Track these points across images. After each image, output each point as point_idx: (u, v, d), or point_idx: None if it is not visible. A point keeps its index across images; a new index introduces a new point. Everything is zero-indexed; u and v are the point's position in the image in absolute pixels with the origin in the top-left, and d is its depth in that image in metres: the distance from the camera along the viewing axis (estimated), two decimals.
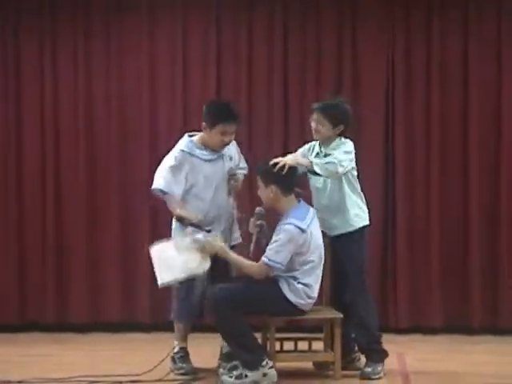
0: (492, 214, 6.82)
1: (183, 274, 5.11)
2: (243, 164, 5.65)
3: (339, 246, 5.34)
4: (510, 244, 6.79)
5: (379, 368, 5.31)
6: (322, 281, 5.24)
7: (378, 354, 5.35)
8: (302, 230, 4.99)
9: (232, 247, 5.38)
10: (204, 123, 5.39)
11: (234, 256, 5.11)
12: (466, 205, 6.85)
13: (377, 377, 5.28)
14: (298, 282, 5.04)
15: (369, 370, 5.29)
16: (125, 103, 7.06)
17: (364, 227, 5.39)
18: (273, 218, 5.29)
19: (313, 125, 5.35)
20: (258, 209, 5.26)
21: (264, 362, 4.97)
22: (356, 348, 5.48)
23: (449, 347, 6.40)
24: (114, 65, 7.06)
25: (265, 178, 5.09)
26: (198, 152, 5.40)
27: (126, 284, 7.01)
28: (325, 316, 5.29)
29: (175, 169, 5.34)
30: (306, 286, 5.05)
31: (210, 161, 5.42)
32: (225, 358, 5.41)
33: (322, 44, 6.95)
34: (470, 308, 6.78)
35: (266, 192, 5.10)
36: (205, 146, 5.43)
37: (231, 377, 5.03)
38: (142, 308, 6.99)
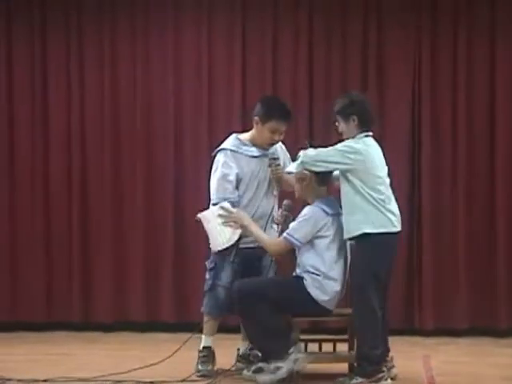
0: None
1: (220, 247, 5.23)
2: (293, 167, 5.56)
3: None
4: None
5: (358, 380, 5.01)
6: (346, 281, 5.20)
7: (362, 370, 5.02)
8: (326, 213, 5.03)
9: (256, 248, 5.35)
10: (256, 117, 5.38)
11: (256, 229, 5.18)
12: (492, 207, 6.82)
13: None
14: (325, 277, 5.03)
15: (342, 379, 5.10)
16: (150, 108, 7.11)
17: (367, 234, 5.03)
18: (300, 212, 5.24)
19: (339, 130, 5.26)
20: (286, 201, 5.31)
21: (291, 350, 4.98)
22: (388, 354, 5.26)
23: (475, 349, 6.36)
24: (140, 69, 7.11)
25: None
26: (243, 148, 5.41)
27: (150, 284, 7.03)
28: (348, 317, 5.25)
29: (226, 175, 5.32)
30: (330, 280, 5.04)
31: (255, 157, 5.41)
32: (242, 359, 5.43)
33: (347, 47, 6.96)
34: (496, 310, 6.74)
35: (300, 176, 5.15)
36: (252, 143, 5.43)
37: (266, 374, 4.99)
38: (165, 308, 7.01)
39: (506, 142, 6.79)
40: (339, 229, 5.09)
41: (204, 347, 5.46)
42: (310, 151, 5.12)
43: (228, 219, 5.20)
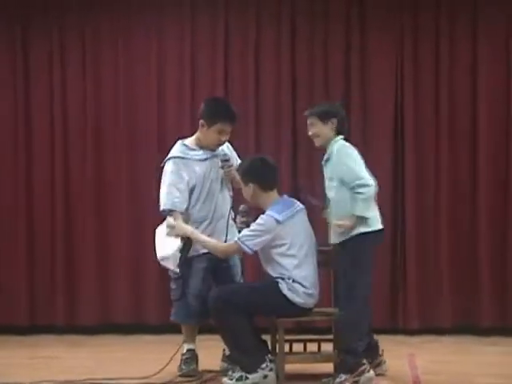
0: (501, 215, 6.82)
1: (161, 256, 5.27)
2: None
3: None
4: None
5: (342, 378, 5.04)
6: (325, 281, 5.21)
7: (345, 365, 5.06)
8: (277, 221, 4.99)
9: None
10: (202, 120, 5.38)
11: (200, 236, 5.19)
12: (475, 208, 6.85)
13: None
14: (293, 281, 5.02)
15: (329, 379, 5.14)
16: (133, 105, 7.09)
17: (362, 234, 5.11)
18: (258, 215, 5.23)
19: (309, 133, 5.30)
20: (242, 206, 5.31)
21: (264, 365, 4.96)
22: (380, 352, 5.39)
23: (459, 348, 6.39)
24: (122, 65, 7.08)
25: (243, 176, 5.14)
26: (191, 153, 5.40)
27: (134, 286, 7.02)
28: (333, 317, 5.26)
29: (175, 182, 5.33)
30: (300, 284, 5.02)
31: (203, 160, 5.40)
32: (227, 359, 5.42)
33: (329, 47, 6.97)
34: (480, 309, 6.77)
35: (246, 190, 5.15)
36: (199, 146, 5.42)
37: (231, 379, 5.00)
38: (150, 310, 7.00)
39: (489, 144, 6.83)
40: (297, 231, 5.06)
41: (187, 350, 5.47)
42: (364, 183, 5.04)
43: (172, 232, 5.19)
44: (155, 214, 6.84)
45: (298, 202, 5.21)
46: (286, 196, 5.23)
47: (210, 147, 5.41)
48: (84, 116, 7.10)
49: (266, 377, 4.94)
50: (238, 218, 5.30)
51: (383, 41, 6.93)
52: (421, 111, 6.90)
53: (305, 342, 5.52)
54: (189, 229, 5.21)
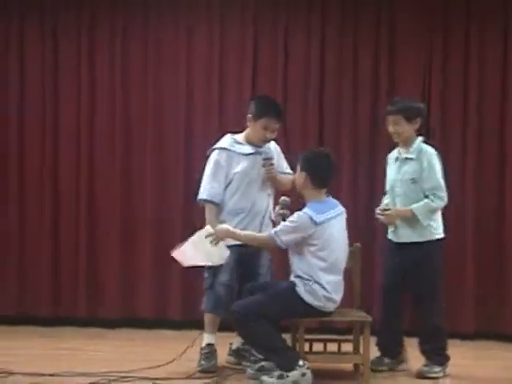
0: None
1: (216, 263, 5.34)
2: (288, 169, 5.68)
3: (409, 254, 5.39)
4: None
5: (436, 369, 5.38)
6: (347, 284, 5.23)
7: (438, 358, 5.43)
8: (313, 222, 4.99)
9: None
10: (249, 115, 5.52)
11: (242, 233, 5.22)
12: (502, 214, 6.80)
13: (433, 375, 5.34)
14: (314, 282, 5.02)
15: (425, 368, 5.37)
16: (161, 108, 7.11)
17: (439, 240, 5.43)
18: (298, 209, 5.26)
19: (390, 129, 5.39)
20: (282, 198, 5.32)
21: (300, 362, 4.98)
22: (404, 350, 5.59)
23: (482, 353, 6.35)
24: (151, 72, 7.10)
25: (301, 162, 5.16)
26: (236, 147, 5.53)
27: (158, 281, 7.04)
28: (353, 319, 5.26)
29: (215, 174, 5.48)
30: (322, 287, 5.02)
31: (247, 155, 5.51)
32: (235, 354, 5.55)
33: (359, 56, 6.95)
34: (504, 314, 6.72)
35: (298, 176, 5.18)
36: (247, 141, 5.55)
37: (272, 377, 5.01)
38: (173, 305, 7.02)
39: None
40: (333, 234, 5.06)
41: (207, 344, 5.51)
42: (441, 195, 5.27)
43: (214, 239, 5.20)
44: (181, 209, 6.96)
45: (340, 205, 5.21)
46: (330, 197, 5.22)
47: (256, 143, 5.53)
48: (112, 116, 7.12)
49: (304, 375, 4.96)
50: (276, 209, 5.32)
51: (412, 50, 6.90)
52: (448, 123, 6.86)
53: (325, 341, 5.52)
54: (229, 230, 5.20)
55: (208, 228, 5.30)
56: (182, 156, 7.03)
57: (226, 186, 5.50)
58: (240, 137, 5.60)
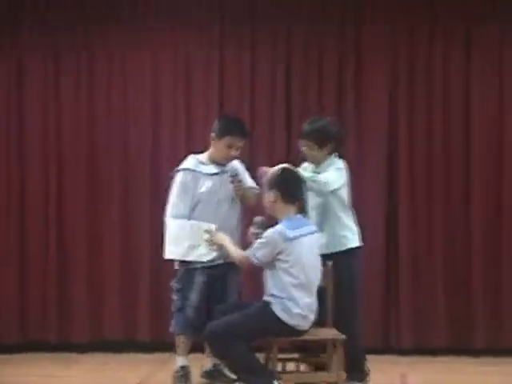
0: (495, 238, 6.83)
1: (188, 258, 5.38)
2: (253, 184, 5.68)
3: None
4: None
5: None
6: (323, 302, 5.22)
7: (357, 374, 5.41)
8: (284, 236, 4.97)
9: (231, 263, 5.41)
10: (213, 134, 5.53)
11: (232, 249, 5.22)
12: (468, 226, 6.85)
13: None
14: (288, 300, 4.99)
15: None
16: (127, 125, 7.09)
17: (354, 248, 5.46)
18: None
19: (303, 150, 5.46)
20: (257, 218, 5.34)
21: (275, 382, 4.96)
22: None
23: (451, 368, 6.39)
24: (116, 85, 7.09)
25: (269, 182, 5.14)
26: (201, 167, 5.53)
27: (127, 303, 7.00)
28: (326, 337, 5.26)
29: (181, 195, 5.48)
30: (296, 304, 5.00)
31: (212, 175, 5.52)
32: (207, 375, 5.55)
33: (324, 62, 6.98)
34: (473, 329, 6.77)
35: (267, 196, 5.14)
36: (211, 160, 5.55)
37: None
38: (143, 328, 6.98)
39: (482, 163, 6.85)
40: (304, 251, 5.05)
41: (181, 366, 5.49)
42: (318, 179, 5.25)
43: (210, 239, 5.30)
44: (148, 230, 6.93)
45: (312, 225, 5.21)
46: (302, 215, 5.20)
47: (220, 161, 5.53)
48: (77, 135, 7.09)
49: None
50: (251, 229, 5.33)
51: (378, 55, 6.95)
52: (415, 127, 6.92)
53: (298, 360, 5.52)
54: (225, 241, 5.26)
55: (212, 226, 5.35)
56: (148, 173, 7.01)
57: (194, 208, 5.49)
58: (203, 157, 5.60)
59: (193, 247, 5.39)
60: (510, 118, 6.86)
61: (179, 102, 7.06)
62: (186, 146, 6.78)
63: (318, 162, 5.45)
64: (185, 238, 5.41)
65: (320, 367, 5.45)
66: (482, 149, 6.86)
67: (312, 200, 5.36)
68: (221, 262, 5.45)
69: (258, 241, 5.06)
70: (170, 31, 7.07)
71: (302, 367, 5.55)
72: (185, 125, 7.03)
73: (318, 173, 5.37)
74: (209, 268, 5.42)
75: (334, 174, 5.33)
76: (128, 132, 7.10)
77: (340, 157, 5.50)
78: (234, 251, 5.21)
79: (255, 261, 5.03)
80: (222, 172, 5.54)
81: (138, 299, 6.99)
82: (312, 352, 5.56)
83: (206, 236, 5.34)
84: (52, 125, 7.11)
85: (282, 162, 6.68)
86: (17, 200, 7.10)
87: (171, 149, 6.95)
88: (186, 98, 7.05)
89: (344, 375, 5.16)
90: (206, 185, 5.49)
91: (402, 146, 6.90)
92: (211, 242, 5.34)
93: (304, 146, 5.45)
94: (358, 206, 6.54)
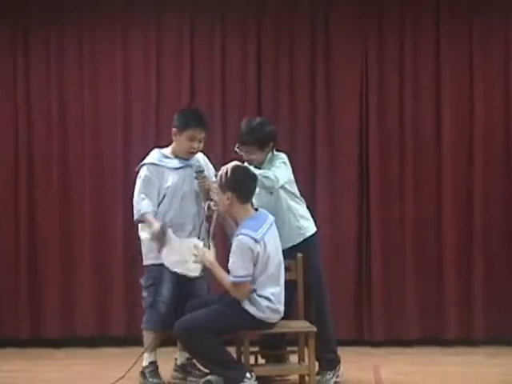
0: (466, 228, 6.86)
1: (176, 270, 5.31)
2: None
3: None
4: (483, 258, 6.81)
5: (327, 376, 5.40)
6: (290, 293, 5.23)
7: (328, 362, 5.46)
8: (255, 240, 4.97)
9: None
10: (174, 129, 5.50)
11: (218, 271, 5.13)
12: (440, 218, 6.88)
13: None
14: (257, 295, 5.02)
15: (318, 378, 5.35)
16: (98, 116, 7.05)
17: (312, 236, 5.49)
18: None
19: (243, 156, 5.43)
20: (207, 203, 5.36)
21: (248, 375, 4.98)
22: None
23: (424, 360, 6.42)
24: (87, 76, 7.04)
25: (223, 183, 5.10)
26: (165, 161, 5.48)
27: (99, 298, 6.96)
28: (298, 329, 5.28)
29: (146, 190, 5.41)
30: (266, 299, 5.02)
31: (177, 169, 5.48)
32: (180, 369, 5.55)
33: (295, 49, 6.97)
34: (445, 320, 6.81)
35: (222, 199, 5.11)
36: (174, 155, 5.51)
37: None
38: (116, 322, 6.96)
39: (453, 154, 6.87)
40: (272, 246, 5.07)
41: (150, 362, 5.48)
42: (268, 175, 5.22)
43: (198, 257, 5.23)
44: (119, 223, 6.91)
45: (270, 215, 5.21)
46: (259, 209, 5.22)
47: (184, 155, 5.49)
48: (49, 127, 7.05)
49: None
50: (208, 204, 5.34)
51: (348, 43, 6.95)
52: (386, 116, 6.92)
53: (269, 354, 5.53)
54: (212, 262, 5.16)
55: (199, 243, 5.29)
56: (121, 170, 6.96)
57: (160, 203, 5.44)
58: (167, 151, 5.56)
59: (183, 262, 5.32)
60: (480, 109, 6.88)
61: (150, 97, 7.02)
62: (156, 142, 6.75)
63: (260, 163, 5.43)
64: (173, 252, 5.33)
65: (279, 360, 5.54)
66: (453, 126, 6.86)
67: (260, 201, 5.39)
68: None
69: (230, 259, 4.99)
70: (141, 25, 7.03)
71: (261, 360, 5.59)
72: (155, 120, 6.99)
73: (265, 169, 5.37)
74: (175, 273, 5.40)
75: (281, 169, 5.33)
76: (100, 129, 7.06)
77: (278, 150, 5.52)
78: (226, 279, 5.06)
79: (245, 279, 4.97)
80: (187, 166, 5.50)
81: (111, 294, 6.96)
82: (272, 345, 5.58)
83: (195, 251, 5.24)
84: (23, 121, 7.06)
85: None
86: None
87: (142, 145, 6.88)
88: (157, 94, 7.02)
89: (315, 367, 5.21)
90: (171, 179, 5.45)
91: (373, 144, 6.91)
92: (198, 260, 5.24)
93: (244, 152, 5.41)
94: (331, 200, 6.57)
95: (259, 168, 5.37)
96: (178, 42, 7.02)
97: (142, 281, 5.52)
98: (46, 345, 6.96)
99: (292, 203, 5.47)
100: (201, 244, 5.28)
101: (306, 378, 5.23)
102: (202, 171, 5.45)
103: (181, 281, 5.39)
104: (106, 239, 6.99)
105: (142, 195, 5.41)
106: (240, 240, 4.97)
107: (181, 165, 5.49)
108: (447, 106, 6.88)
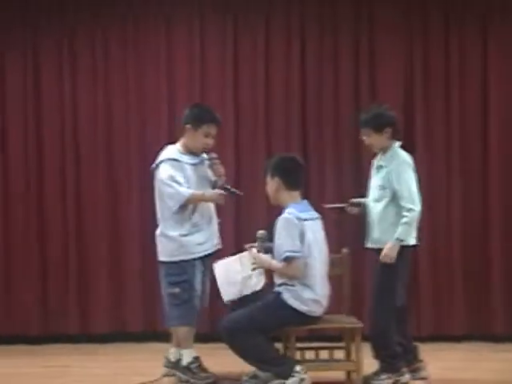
0: None
1: (245, 292, 5.25)
2: None
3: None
4: None
5: (383, 376, 5.30)
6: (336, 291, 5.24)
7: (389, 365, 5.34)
8: (298, 217, 5.02)
9: (215, 252, 5.52)
10: (188, 125, 5.48)
11: (270, 261, 5.16)
12: (486, 212, 6.83)
13: (375, 383, 5.28)
14: (299, 284, 5.03)
15: (371, 375, 5.32)
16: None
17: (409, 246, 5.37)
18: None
19: (365, 141, 5.43)
20: (259, 232, 5.31)
21: (297, 368, 5.00)
22: (420, 357, 5.54)
23: (471, 355, 6.38)
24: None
25: (271, 169, 5.18)
26: (184, 157, 5.48)
27: (146, 294, 7.00)
28: (344, 325, 5.27)
29: (177, 179, 5.37)
30: (308, 288, 5.04)
31: (196, 164, 5.50)
32: (170, 364, 5.52)
33: (339, 55, 6.96)
34: (493, 315, 6.76)
35: (270, 184, 5.18)
36: (186, 151, 5.51)
37: None
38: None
39: (499, 151, 6.80)
40: (315, 234, 5.10)
41: (194, 358, 5.48)
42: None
43: (257, 265, 5.22)
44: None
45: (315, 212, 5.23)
46: (306, 201, 5.24)
47: (196, 151, 5.50)
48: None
49: (302, 380, 4.99)
50: (257, 244, 5.29)
51: (392, 48, 6.92)
52: (431, 120, 6.89)
53: (316, 349, 5.53)
54: (268, 259, 5.19)
55: (251, 250, 5.26)
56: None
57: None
58: (179, 147, 5.54)
59: (247, 279, 5.28)
60: None
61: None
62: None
63: (381, 150, 5.39)
64: (233, 278, 5.30)
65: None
66: (500, 124, 6.80)
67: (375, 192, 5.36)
68: (214, 250, 5.52)
69: (278, 240, 5.03)
70: (185, 22, 7.06)
71: (321, 356, 5.55)
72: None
73: (383, 166, 5.33)
74: (205, 257, 5.47)
75: (412, 190, 5.26)
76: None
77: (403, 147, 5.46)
78: (274, 264, 5.11)
79: (295, 254, 4.98)
80: (201, 162, 5.54)
81: (159, 290, 6.98)
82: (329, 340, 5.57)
83: (253, 265, 5.22)
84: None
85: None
86: (35, 194, 7.11)
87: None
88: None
89: (363, 363, 5.18)
90: (191, 174, 5.45)
91: (419, 138, 6.86)
92: (258, 267, 5.22)
93: (363, 135, 5.42)
94: None
95: (381, 156, 5.37)
96: (221, 41, 7.02)
97: (169, 278, 5.45)
98: (93, 340, 7.01)
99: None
100: (253, 250, 5.27)
101: (354, 374, 5.23)
102: (215, 157, 5.50)
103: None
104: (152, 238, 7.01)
105: (174, 183, 5.35)
106: (284, 218, 5.03)
107: (197, 161, 5.51)
108: (495, 115, 6.82)
